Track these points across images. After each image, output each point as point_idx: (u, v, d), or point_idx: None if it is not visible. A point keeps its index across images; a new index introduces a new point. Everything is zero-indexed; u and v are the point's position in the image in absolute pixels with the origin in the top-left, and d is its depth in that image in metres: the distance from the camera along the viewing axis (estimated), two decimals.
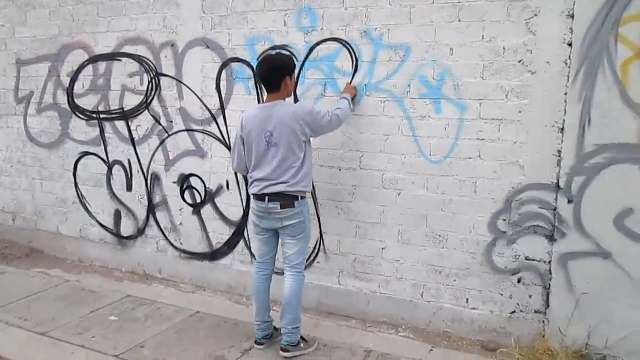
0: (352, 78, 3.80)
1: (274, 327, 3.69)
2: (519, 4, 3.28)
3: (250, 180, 3.48)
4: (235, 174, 4.35)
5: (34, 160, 5.48)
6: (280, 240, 3.56)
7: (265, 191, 3.37)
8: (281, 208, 3.36)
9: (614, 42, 3.08)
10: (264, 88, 3.44)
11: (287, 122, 3.28)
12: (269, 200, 3.37)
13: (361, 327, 3.94)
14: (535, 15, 3.25)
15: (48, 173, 5.42)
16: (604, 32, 3.09)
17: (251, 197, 3.52)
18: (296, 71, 3.70)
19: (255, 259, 3.83)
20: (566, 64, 3.21)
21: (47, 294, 4.55)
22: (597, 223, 3.25)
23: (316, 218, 4.07)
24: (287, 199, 3.35)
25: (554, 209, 3.36)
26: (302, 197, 3.41)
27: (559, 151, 3.29)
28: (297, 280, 3.50)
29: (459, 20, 3.45)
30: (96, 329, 3.91)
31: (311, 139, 3.46)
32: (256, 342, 3.63)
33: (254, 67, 4.08)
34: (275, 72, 3.32)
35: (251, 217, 3.61)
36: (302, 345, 3.54)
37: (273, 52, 3.87)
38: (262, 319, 3.62)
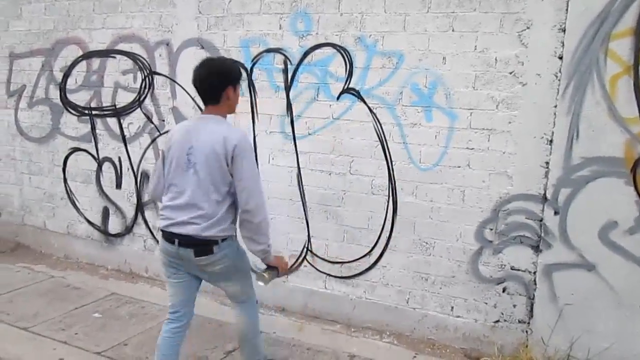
0: (346, 83, 3.82)
1: None
2: (512, 16, 3.32)
3: (160, 207, 2.80)
4: None
5: (24, 155, 5.45)
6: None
7: (173, 230, 2.66)
8: (196, 256, 2.66)
9: (603, 57, 3.12)
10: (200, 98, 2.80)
11: (214, 142, 2.60)
12: (179, 245, 2.67)
13: (346, 332, 3.95)
14: (528, 27, 3.29)
15: (37, 168, 5.39)
16: (595, 47, 3.13)
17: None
18: (244, 83, 3.10)
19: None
20: (556, 77, 3.25)
21: (31, 289, 4.51)
22: (583, 235, 3.28)
23: (305, 221, 4.09)
24: (202, 245, 2.66)
25: (541, 220, 3.39)
26: (223, 240, 2.69)
27: (547, 163, 3.33)
28: (250, 310, 2.99)
29: (453, 30, 3.48)
30: (79, 325, 3.89)
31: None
32: None
33: (248, 69, 4.10)
34: (215, 80, 2.68)
35: (159, 255, 2.85)
36: None
37: (215, 56, 3.28)
38: None
